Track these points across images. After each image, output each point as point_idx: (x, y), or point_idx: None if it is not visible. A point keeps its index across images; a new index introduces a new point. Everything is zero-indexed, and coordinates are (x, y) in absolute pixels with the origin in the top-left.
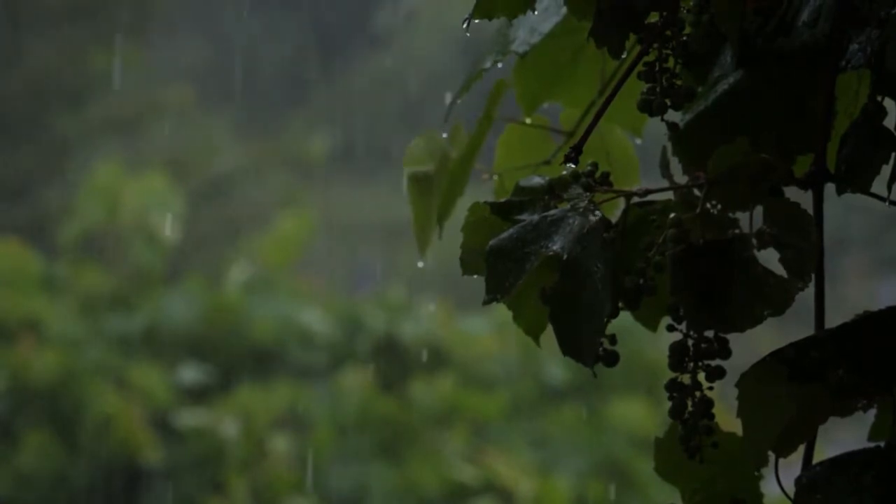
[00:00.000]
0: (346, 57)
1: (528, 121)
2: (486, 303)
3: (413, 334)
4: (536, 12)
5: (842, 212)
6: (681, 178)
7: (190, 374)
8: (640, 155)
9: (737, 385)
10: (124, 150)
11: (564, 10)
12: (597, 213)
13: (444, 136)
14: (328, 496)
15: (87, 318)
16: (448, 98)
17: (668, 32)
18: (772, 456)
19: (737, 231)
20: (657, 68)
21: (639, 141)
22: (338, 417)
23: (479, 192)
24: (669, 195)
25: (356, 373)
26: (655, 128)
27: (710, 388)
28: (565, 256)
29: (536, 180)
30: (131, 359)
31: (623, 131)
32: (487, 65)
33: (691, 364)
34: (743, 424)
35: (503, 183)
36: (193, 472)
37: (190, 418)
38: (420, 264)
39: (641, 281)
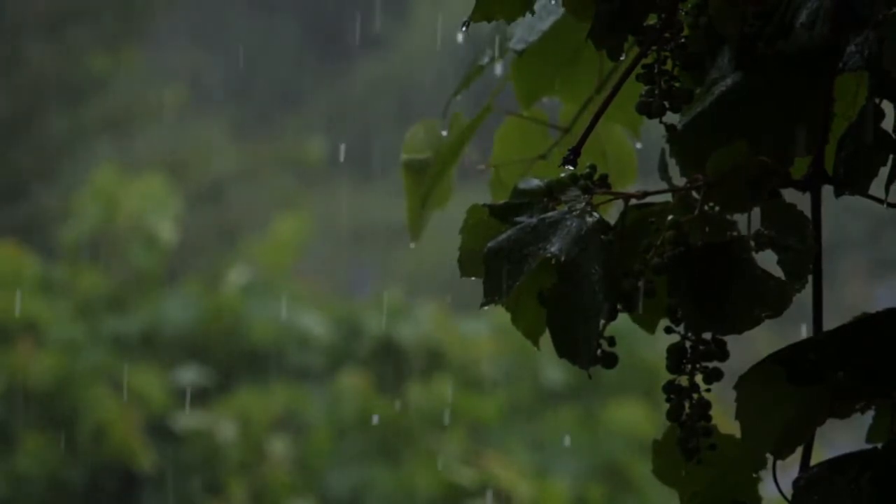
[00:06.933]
0: (343, 60)
1: (525, 114)
2: (484, 305)
3: (411, 337)
4: (535, 13)
5: (840, 214)
6: (679, 181)
7: (188, 376)
8: (639, 157)
9: (735, 387)
10: (122, 152)
11: (563, 9)
12: (594, 214)
13: (444, 122)
14: (326, 498)
15: (86, 320)
16: (446, 96)
17: (667, 34)
18: (770, 458)
19: (735, 233)
20: (656, 70)
21: (639, 145)
22: (336, 420)
23: (477, 184)
24: (668, 197)
25: (354, 375)
26: (654, 130)
27: (709, 390)
28: (563, 258)
29: (535, 183)
30: (129, 361)
31: (622, 130)
32: (485, 61)
33: (689, 366)
34: (741, 426)
35: (499, 176)
36: (192, 474)
37: (188, 421)
38: (412, 245)
39: (640, 283)
